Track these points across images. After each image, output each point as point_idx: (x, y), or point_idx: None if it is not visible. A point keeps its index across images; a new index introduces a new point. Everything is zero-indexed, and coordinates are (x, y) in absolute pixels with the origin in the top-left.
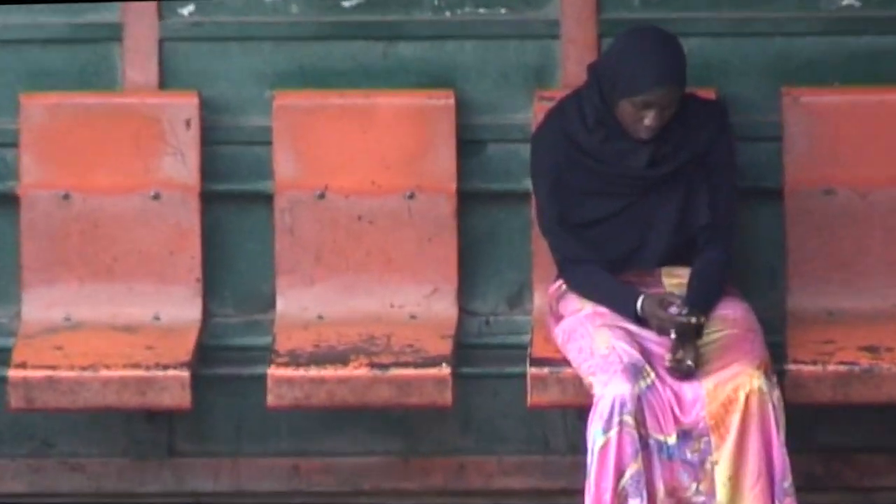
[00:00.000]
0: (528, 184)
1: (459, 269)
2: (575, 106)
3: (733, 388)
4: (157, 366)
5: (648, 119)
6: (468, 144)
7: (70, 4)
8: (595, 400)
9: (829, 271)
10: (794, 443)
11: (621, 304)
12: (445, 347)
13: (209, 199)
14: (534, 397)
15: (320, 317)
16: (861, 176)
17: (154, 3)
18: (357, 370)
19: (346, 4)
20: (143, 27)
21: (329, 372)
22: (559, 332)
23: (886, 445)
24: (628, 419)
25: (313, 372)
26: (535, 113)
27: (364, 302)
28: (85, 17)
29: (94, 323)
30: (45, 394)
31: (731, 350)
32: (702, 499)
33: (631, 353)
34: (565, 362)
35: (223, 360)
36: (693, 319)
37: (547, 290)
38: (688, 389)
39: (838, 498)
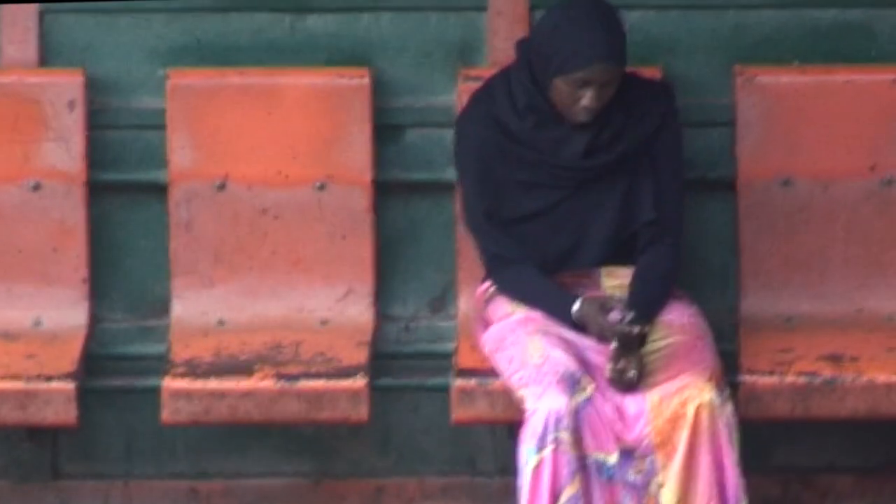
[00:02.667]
0: (451, 174)
1: (376, 269)
2: (504, 87)
3: (681, 401)
4: (39, 377)
5: (586, 99)
6: (385, 129)
7: None
8: (527, 415)
9: (787, 272)
10: (749, 462)
11: (556, 308)
12: (361, 356)
13: (96, 191)
14: (459, 412)
15: (221, 322)
16: (822, 166)
17: None
18: (262, 382)
19: None
20: None
21: (231, 384)
22: (487, 339)
23: (850, 465)
24: (564, 436)
25: (213, 384)
26: (459, 94)
27: (270, 306)
28: None
29: None
30: None
31: (678, 359)
32: None
33: (567, 363)
34: (494, 373)
35: (113, 371)
36: (636, 329)
37: (474, 292)
38: (630, 403)
39: None
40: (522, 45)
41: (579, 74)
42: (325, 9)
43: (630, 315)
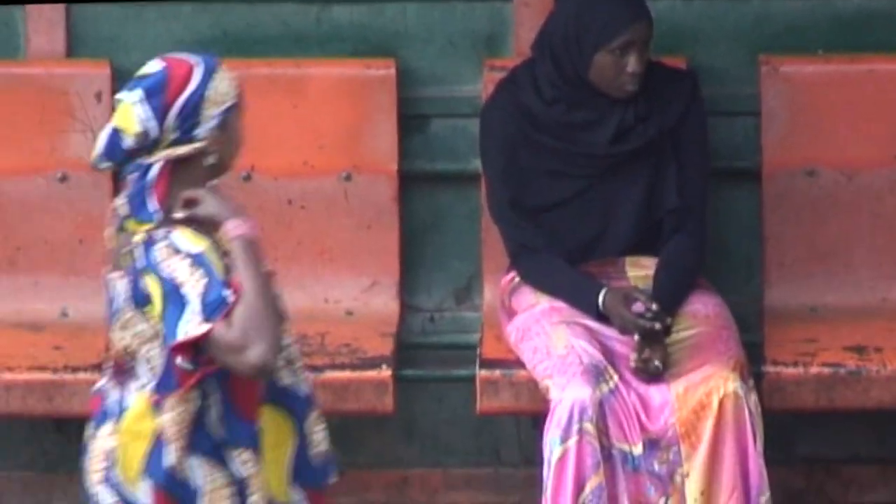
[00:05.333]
0: (477, 164)
1: (401, 260)
2: (529, 76)
3: (705, 392)
4: (66, 368)
5: (631, 64)
6: (411, 120)
7: None
8: (552, 406)
9: (812, 262)
10: (773, 453)
11: (581, 299)
12: (386, 347)
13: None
14: (484, 403)
15: None
16: (847, 155)
17: None
18: None
19: None
20: None
21: None
22: (512, 329)
23: (874, 456)
24: (589, 427)
25: None
26: (484, 84)
27: (295, 296)
28: None
29: None
30: None
31: (702, 350)
32: None
33: (592, 354)
34: (519, 364)
35: None
36: (658, 325)
37: (498, 283)
38: (655, 393)
39: None
40: (542, 40)
41: (622, 39)
42: None
43: (653, 308)
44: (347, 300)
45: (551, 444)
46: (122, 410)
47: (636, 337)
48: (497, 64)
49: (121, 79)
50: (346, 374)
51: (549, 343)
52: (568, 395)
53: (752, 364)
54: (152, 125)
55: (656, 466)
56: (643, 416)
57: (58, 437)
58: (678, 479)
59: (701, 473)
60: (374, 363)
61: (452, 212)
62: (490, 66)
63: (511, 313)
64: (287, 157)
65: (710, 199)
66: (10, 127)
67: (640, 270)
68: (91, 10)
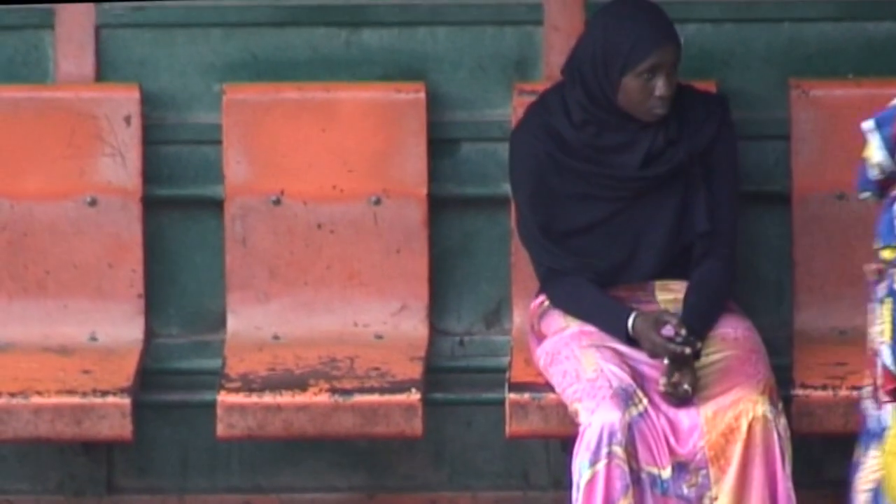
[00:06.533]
0: (506, 188)
1: (430, 284)
2: (559, 100)
3: (734, 415)
4: (95, 392)
5: (659, 88)
6: (440, 144)
7: None
8: (581, 429)
9: (841, 286)
10: (802, 477)
11: (610, 323)
12: (415, 371)
13: (152, 206)
14: (513, 426)
15: (276, 337)
16: None
17: None
18: (317, 396)
19: None
20: (77, 12)
21: (285, 398)
22: (541, 353)
23: None
24: (618, 450)
25: (268, 398)
26: (514, 108)
27: (324, 320)
28: None
29: (25, 344)
30: None
31: (731, 373)
32: None
33: (621, 377)
34: (548, 387)
35: (168, 386)
36: (688, 350)
37: (528, 306)
38: (684, 417)
39: None
40: (571, 63)
41: (649, 62)
42: (381, 23)
43: (683, 332)
44: (377, 324)
45: (580, 468)
46: (882, 430)
47: (665, 361)
48: (527, 88)
49: (150, 102)
50: (375, 398)
51: (578, 367)
52: (597, 418)
53: (782, 387)
54: (883, 155)
55: (685, 490)
56: (672, 440)
57: (86, 461)
58: (707, 502)
59: (730, 497)
60: (403, 387)
61: (482, 236)
62: (520, 89)
63: (540, 337)
64: (316, 181)
65: (740, 223)
66: (40, 151)
67: (669, 294)
68: (120, 35)
